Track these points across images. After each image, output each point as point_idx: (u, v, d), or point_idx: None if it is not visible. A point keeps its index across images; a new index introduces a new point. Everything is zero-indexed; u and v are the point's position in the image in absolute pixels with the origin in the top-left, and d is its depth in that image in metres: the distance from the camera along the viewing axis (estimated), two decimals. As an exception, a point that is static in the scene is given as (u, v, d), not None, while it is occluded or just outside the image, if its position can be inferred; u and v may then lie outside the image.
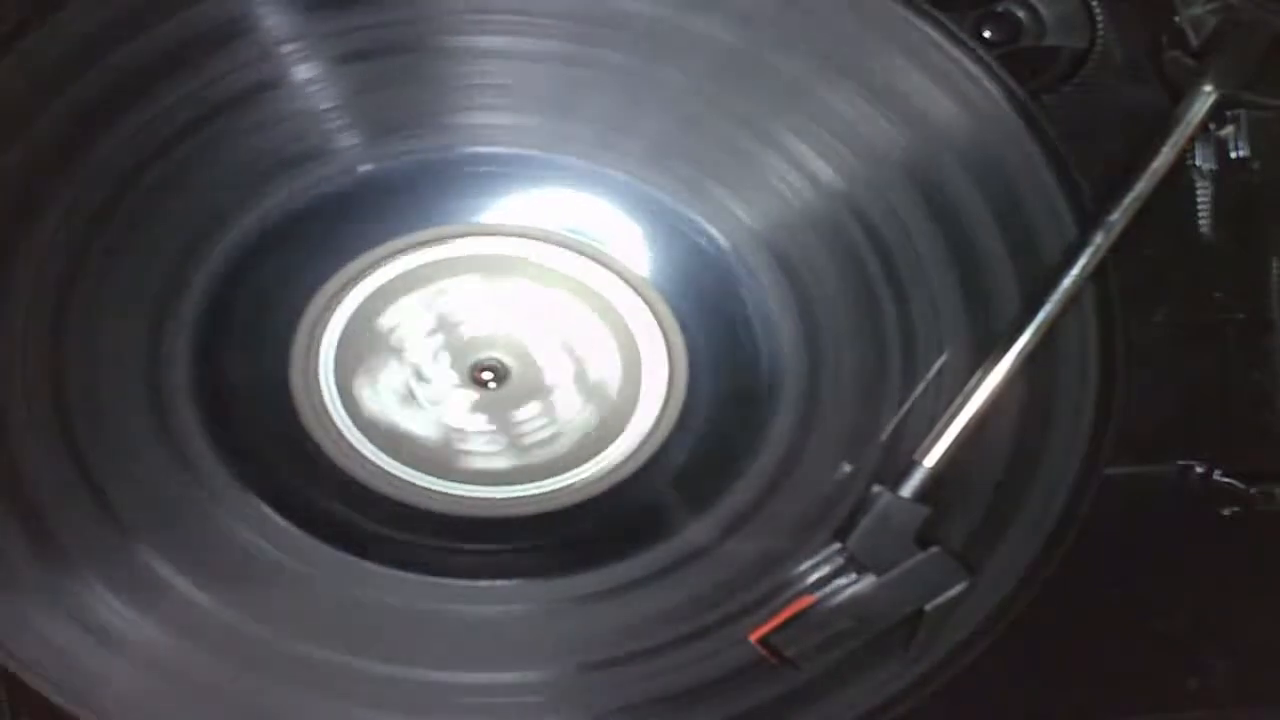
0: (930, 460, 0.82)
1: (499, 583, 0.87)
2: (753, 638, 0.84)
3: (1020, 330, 0.81)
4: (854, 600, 0.83)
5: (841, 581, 0.83)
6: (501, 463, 0.84)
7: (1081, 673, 0.94)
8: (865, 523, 0.82)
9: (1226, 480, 0.91)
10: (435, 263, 0.81)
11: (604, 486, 0.84)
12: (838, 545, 0.84)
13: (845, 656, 0.85)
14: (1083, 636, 0.93)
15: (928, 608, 0.83)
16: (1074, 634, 0.92)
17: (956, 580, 0.83)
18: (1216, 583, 0.94)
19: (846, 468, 0.84)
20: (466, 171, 0.81)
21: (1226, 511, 0.92)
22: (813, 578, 0.84)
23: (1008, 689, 0.92)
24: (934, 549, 0.82)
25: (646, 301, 0.82)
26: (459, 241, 0.81)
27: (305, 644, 0.87)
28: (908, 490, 0.82)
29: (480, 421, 0.83)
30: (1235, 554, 0.93)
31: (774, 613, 0.84)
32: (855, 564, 0.83)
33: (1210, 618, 0.95)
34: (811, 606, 0.83)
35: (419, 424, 0.83)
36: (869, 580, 0.83)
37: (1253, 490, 0.91)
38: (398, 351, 0.82)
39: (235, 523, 0.85)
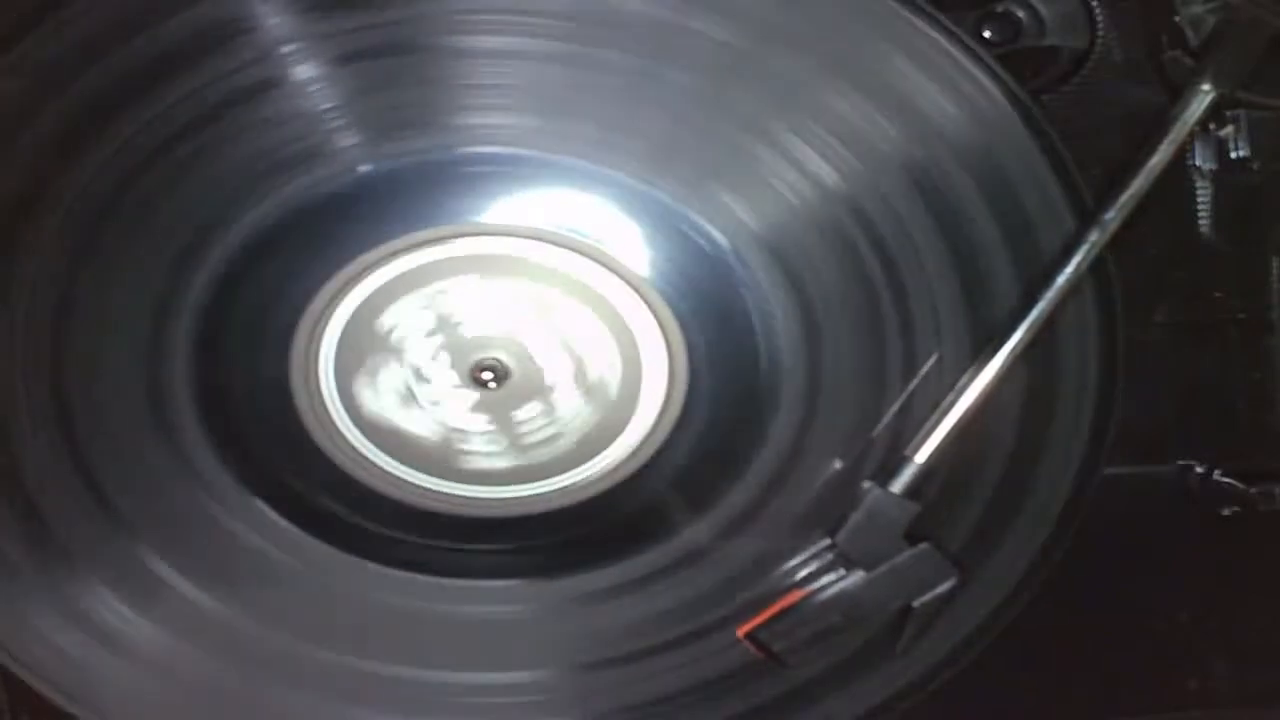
0: (921, 456, 0.81)
1: (499, 583, 0.87)
2: (740, 633, 0.84)
3: (1013, 327, 0.81)
4: (842, 596, 0.83)
5: (830, 577, 0.83)
6: (502, 463, 0.84)
7: (1081, 673, 0.94)
8: (855, 518, 0.82)
9: (1226, 480, 0.91)
10: (435, 263, 0.81)
11: (604, 486, 0.84)
12: (827, 541, 0.83)
13: (845, 657, 0.86)
14: (1083, 636, 0.93)
15: (915, 604, 0.83)
16: (1074, 634, 0.93)
17: (945, 577, 0.82)
18: (1216, 583, 0.94)
19: (837, 464, 0.84)
20: (466, 171, 0.81)
21: (1226, 511, 0.92)
22: (802, 573, 0.84)
23: (1008, 689, 0.92)
24: (923, 545, 0.82)
25: (646, 301, 0.82)
26: (458, 241, 0.81)
27: (305, 644, 0.87)
28: (898, 486, 0.82)
29: (481, 422, 0.83)
30: (1235, 554, 0.93)
31: (762, 608, 0.84)
32: (844, 559, 0.83)
33: (1210, 618, 0.95)
34: (799, 602, 0.83)
35: (419, 424, 0.83)
36: (858, 576, 0.83)
37: (1253, 490, 0.91)
38: (398, 352, 0.82)
39: (235, 523, 0.85)
